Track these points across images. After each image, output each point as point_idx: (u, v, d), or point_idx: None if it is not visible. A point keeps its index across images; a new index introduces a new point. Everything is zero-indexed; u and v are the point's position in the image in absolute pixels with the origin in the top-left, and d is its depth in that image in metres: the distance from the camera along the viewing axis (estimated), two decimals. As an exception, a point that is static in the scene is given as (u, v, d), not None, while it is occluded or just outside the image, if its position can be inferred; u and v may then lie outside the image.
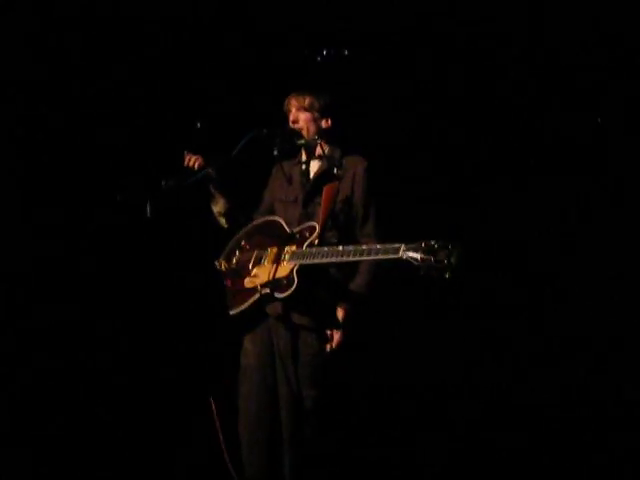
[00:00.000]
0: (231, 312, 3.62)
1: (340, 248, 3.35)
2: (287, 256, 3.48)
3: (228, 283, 3.68)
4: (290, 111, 3.77)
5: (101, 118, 4.95)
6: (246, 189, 3.94)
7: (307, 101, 3.73)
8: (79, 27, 4.87)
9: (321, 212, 3.56)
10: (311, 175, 3.76)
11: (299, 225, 3.59)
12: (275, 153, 3.64)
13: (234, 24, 4.94)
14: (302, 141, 3.74)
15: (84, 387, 4.92)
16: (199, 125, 3.89)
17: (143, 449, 4.82)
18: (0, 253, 4.81)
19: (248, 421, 3.60)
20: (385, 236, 3.44)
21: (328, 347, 3.49)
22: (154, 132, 4.92)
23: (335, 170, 3.64)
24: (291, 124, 3.75)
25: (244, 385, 3.64)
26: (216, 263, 3.72)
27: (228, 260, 3.72)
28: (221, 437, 3.72)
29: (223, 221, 3.86)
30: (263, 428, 3.57)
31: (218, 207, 3.83)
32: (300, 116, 3.74)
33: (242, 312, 3.58)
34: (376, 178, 3.68)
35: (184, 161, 3.75)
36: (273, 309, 3.55)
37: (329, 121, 3.75)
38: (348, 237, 3.56)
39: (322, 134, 3.74)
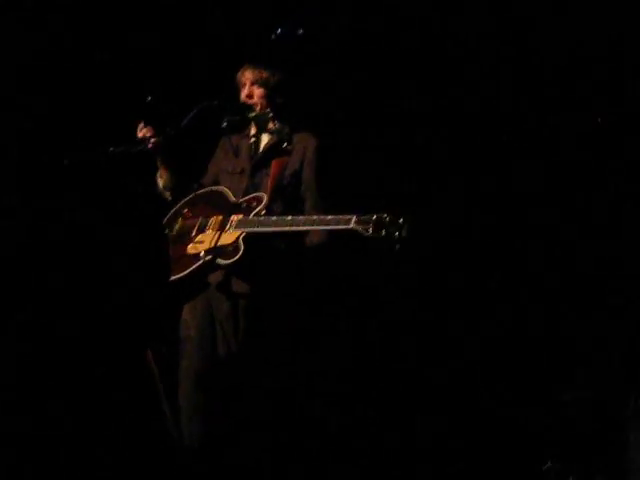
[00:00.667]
0: (173, 277, 3.56)
1: (289, 218, 3.39)
2: (233, 224, 3.48)
3: (170, 250, 3.65)
4: (244, 84, 3.75)
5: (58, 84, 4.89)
6: (195, 162, 3.93)
7: (263, 75, 3.72)
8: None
9: (269, 184, 3.58)
10: (260, 148, 3.75)
11: (245, 196, 3.59)
12: (224, 125, 3.64)
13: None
14: (253, 114, 3.73)
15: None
16: (149, 98, 3.85)
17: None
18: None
19: (187, 391, 3.57)
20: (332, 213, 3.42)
21: None
22: (108, 102, 4.87)
23: (285, 145, 3.67)
24: (245, 98, 3.74)
25: (184, 358, 3.62)
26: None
27: (169, 228, 3.70)
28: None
29: (167, 194, 3.83)
30: (202, 398, 3.54)
31: (163, 180, 3.81)
32: (255, 91, 3.72)
33: (182, 279, 3.54)
34: (326, 156, 3.70)
35: (136, 131, 3.71)
36: (214, 277, 3.53)
37: (281, 98, 3.75)
38: (293, 211, 3.56)
39: (274, 110, 3.73)
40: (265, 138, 3.77)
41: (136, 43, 4.89)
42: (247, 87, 3.74)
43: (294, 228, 3.35)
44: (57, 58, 4.87)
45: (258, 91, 3.72)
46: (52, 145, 4.59)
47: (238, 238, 3.43)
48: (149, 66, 4.88)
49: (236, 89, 3.78)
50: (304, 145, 3.68)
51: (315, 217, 3.33)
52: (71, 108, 4.87)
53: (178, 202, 3.80)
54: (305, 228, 3.36)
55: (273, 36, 4.66)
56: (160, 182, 3.82)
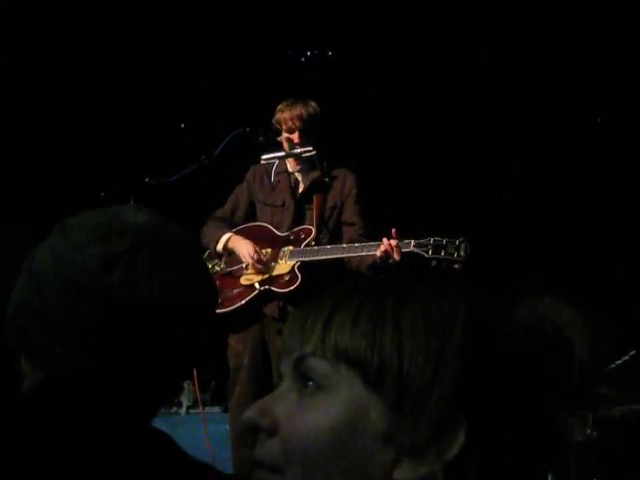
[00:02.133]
0: (224, 310, 3.54)
1: (344, 245, 3.46)
2: (286, 255, 3.54)
3: (218, 283, 3.62)
4: (285, 121, 3.70)
5: (86, 119, 4.91)
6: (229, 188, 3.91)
7: (302, 113, 3.66)
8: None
9: (314, 217, 3.62)
10: (301, 182, 3.76)
11: (291, 229, 3.63)
12: (260, 139, 3.64)
13: (220, 25, 4.91)
14: (296, 151, 3.68)
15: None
16: (183, 126, 3.84)
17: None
18: None
19: (236, 423, 3.52)
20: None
21: None
22: (138, 133, 4.88)
23: (326, 179, 3.70)
24: (287, 134, 3.69)
25: (237, 385, 3.61)
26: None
27: (218, 263, 3.72)
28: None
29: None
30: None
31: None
32: (295, 128, 3.67)
33: (237, 309, 3.55)
34: (364, 188, 3.73)
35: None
36: (270, 309, 3.55)
37: (320, 131, 3.72)
38: (337, 241, 3.60)
39: (313, 143, 3.68)
40: (305, 172, 3.76)
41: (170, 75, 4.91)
42: (289, 125, 3.68)
43: (351, 254, 3.40)
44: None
45: (299, 127, 3.66)
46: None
47: (293, 268, 3.49)
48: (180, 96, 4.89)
49: (269, 120, 3.75)
50: (343, 179, 3.72)
51: (372, 243, 3.33)
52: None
53: None
54: (363, 253, 3.37)
55: (302, 59, 4.66)
56: (216, 249, 3.74)
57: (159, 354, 1.10)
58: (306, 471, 0.81)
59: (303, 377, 0.86)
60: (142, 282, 1.07)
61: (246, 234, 3.72)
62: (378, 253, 3.26)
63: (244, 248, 3.60)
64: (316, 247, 3.51)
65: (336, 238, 3.63)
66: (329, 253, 3.44)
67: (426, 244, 3.23)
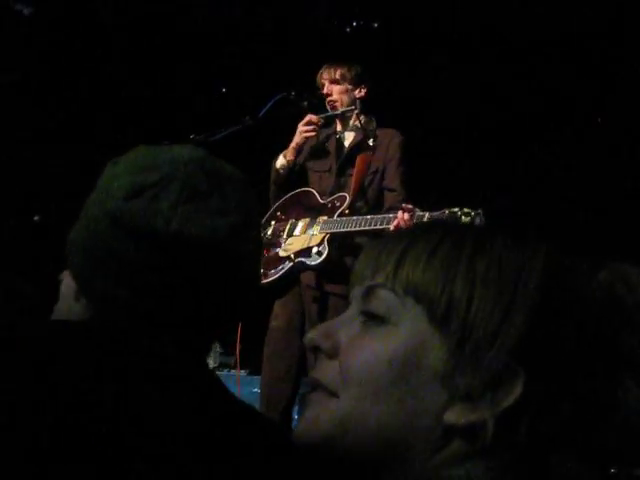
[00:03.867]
0: (265, 280, 3.56)
1: (369, 217, 3.34)
2: (319, 226, 3.48)
3: (265, 252, 3.62)
4: (323, 85, 3.70)
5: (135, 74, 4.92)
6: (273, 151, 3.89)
7: (339, 73, 3.66)
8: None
9: (353, 182, 3.53)
10: (345, 146, 3.69)
11: (331, 195, 3.56)
12: (304, 104, 3.62)
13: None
14: (338, 111, 3.67)
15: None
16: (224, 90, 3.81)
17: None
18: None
19: (269, 380, 3.55)
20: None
21: None
22: (185, 93, 4.89)
23: (370, 141, 3.59)
24: (326, 97, 3.67)
25: (269, 346, 3.60)
26: None
27: (264, 231, 3.68)
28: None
29: (282, 172, 3.72)
30: (283, 389, 3.52)
31: (286, 160, 3.70)
32: (333, 88, 3.67)
33: (276, 280, 3.55)
34: (410, 152, 3.64)
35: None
36: (306, 277, 3.51)
37: (362, 90, 3.70)
38: (377, 207, 3.53)
39: (357, 104, 3.67)
40: (350, 135, 3.71)
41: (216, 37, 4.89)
42: (326, 86, 3.68)
43: (373, 227, 3.29)
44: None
45: (337, 88, 3.66)
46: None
47: (323, 240, 3.43)
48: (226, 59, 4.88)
49: (312, 84, 3.72)
50: (388, 141, 3.61)
51: (392, 215, 3.27)
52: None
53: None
54: (384, 227, 3.26)
55: (348, 29, 4.63)
56: (282, 160, 3.70)
57: (185, 288, 1.07)
58: (359, 397, 0.82)
59: (370, 307, 0.85)
60: (163, 211, 1.06)
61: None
62: (391, 227, 3.17)
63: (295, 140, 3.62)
64: (345, 218, 3.39)
65: (378, 206, 3.54)
66: (356, 225, 3.32)
67: (441, 216, 3.11)
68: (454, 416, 0.80)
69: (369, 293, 0.86)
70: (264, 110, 3.53)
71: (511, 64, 4.71)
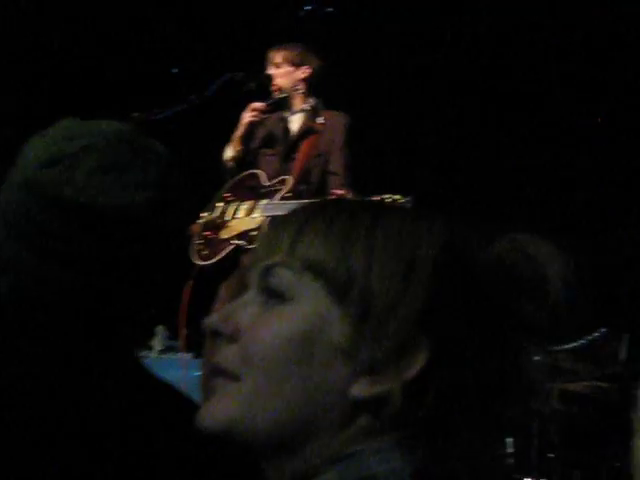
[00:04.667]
0: (209, 262, 3.49)
1: (308, 202, 3.25)
2: (259, 209, 3.42)
3: (209, 234, 3.56)
4: (272, 64, 3.65)
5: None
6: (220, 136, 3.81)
7: (280, 56, 3.62)
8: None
9: (296, 166, 3.49)
10: (291, 129, 3.65)
11: (276, 178, 3.51)
12: (248, 88, 3.55)
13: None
14: (281, 95, 3.62)
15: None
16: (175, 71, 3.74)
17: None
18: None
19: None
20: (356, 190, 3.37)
21: None
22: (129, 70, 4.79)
23: (316, 125, 3.56)
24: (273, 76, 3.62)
25: None
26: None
27: (210, 211, 3.61)
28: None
29: (231, 164, 3.67)
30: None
31: (234, 152, 3.64)
32: (275, 72, 3.62)
33: (218, 262, 3.48)
34: (355, 134, 3.59)
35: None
36: (247, 259, 3.43)
37: (306, 71, 3.64)
38: (321, 191, 3.49)
39: (300, 85, 3.62)
40: (296, 119, 3.66)
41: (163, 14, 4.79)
42: (270, 69, 3.64)
43: None
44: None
45: (278, 71, 3.62)
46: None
47: (262, 223, 3.38)
48: (176, 38, 4.79)
49: (263, 65, 3.66)
50: (334, 124, 3.58)
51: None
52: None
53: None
54: None
55: (301, 13, 4.56)
56: (229, 152, 3.65)
57: (94, 260, 1.05)
58: (263, 378, 0.79)
59: (268, 287, 0.82)
60: (76, 181, 1.05)
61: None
62: None
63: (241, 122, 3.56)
64: (286, 202, 3.34)
65: (322, 189, 3.50)
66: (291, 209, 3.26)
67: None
68: (359, 390, 0.78)
69: (266, 273, 0.83)
70: (211, 90, 3.46)
71: (463, 49, 4.70)
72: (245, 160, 3.63)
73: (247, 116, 3.56)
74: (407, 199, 3.03)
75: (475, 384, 0.80)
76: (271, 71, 3.62)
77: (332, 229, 0.81)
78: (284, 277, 0.81)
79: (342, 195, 3.10)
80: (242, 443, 0.81)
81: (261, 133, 3.71)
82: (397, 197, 3.03)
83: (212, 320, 0.84)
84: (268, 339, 0.80)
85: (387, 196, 3.02)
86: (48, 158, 1.07)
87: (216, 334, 0.83)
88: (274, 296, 0.82)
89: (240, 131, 3.60)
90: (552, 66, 4.66)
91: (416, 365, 0.77)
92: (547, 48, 4.64)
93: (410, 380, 0.77)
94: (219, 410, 0.81)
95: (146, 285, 1.12)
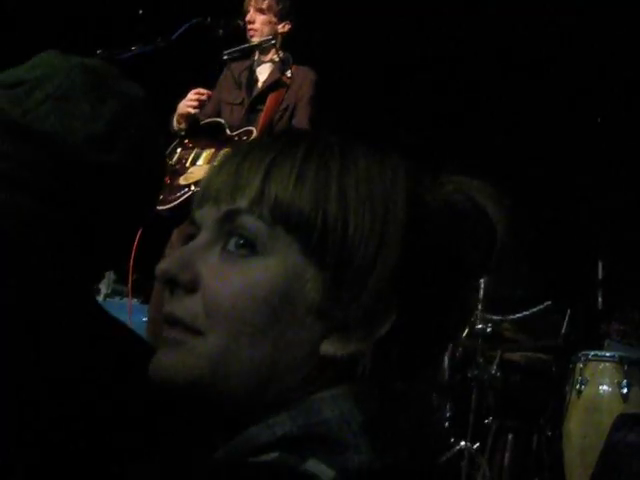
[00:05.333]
0: (164, 207, 3.40)
1: None
2: (221, 157, 3.35)
3: (167, 180, 3.46)
4: (248, 11, 3.57)
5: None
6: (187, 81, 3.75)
7: (266, 3, 3.54)
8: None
9: (262, 118, 3.44)
10: (260, 80, 3.60)
11: (239, 129, 3.45)
12: (225, 57, 3.52)
13: None
14: (255, 42, 3.56)
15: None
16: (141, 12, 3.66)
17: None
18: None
19: (156, 311, 3.40)
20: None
21: None
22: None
23: (284, 77, 3.50)
24: (248, 24, 3.55)
25: None
26: None
27: (170, 157, 3.53)
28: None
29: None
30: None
31: (179, 126, 3.56)
32: (257, 17, 3.55)
33: (174, 208, 3.40)
34: (321, 91, 3.54)
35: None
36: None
37: (286, 26, 3.59)
38: None
39: (277, 38, 3.57)
40: (267, 69, 3.61)
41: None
42: (250, 13, 3.56)
43: None
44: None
45: (260, 17, 3.55)
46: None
47: None
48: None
49: (235, 11, 3.59)
50: (301, 79, 3.53)
51: None
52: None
53: None
54: None
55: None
56: (175, 125, 3.57)
57: (34, 185, 1.02)
58: (230, 336, 0.75)
59: (231, 234, 0.76)
60: (28, 104, 1.03)
61: (201, 129, 3.55)
62: None
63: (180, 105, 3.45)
64: None
65: None
66: None
67: None
68: (332, 348, 0.76)
69: (230, 219, 0.77)
70: (177, 33, 3.39)
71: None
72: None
73: (187, 105, 3.46)
74: None
75: (435, 337, 0.80)
76: (252, 15, 3.55)
77: (304, 175, 0.76)
78: (253, 228, 0.76)
79: None
80: (202, 399, 0.78)
81: (226, 81, 3.66)
82: None
83: (167, 266, 0.78)
84: (236, 295, 0.75)
85: None
86: (12, 81, 1.06)
87: (171, 282, 0.78)
88: (240, 246, 0.77)
89: (180, 111, 3.52)
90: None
91: (386, 324, 0.76)
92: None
93: (378, 339, 0.76)
94: (181, 364, 0.77)
95: (96, 221, 1.08)
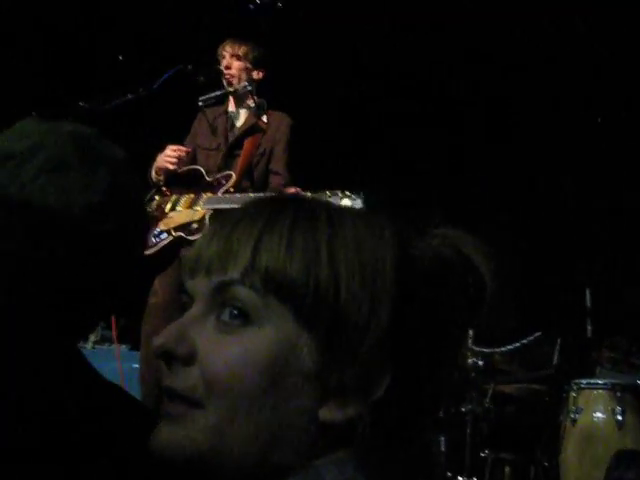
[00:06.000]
0: (144, 253, 3.40)
1: (252, 195, 3.27)
2: (201, 202, 3.39)
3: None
4: (224, 57, 3.62)
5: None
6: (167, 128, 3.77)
7: (242, 49, 3.60)
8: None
9: (240, 162, 3.47)
10: (237, 125, 3.64)
11: (218, 173, 3.48)
12: (200, 104, 3.54)
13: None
14: (232, 89, 3.60)
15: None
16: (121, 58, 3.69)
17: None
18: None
19: (148, 359, 3.40)
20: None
21: None
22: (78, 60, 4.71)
23: (260, 122, 3.55)
24: (224, 70, 3.59)
25: (148, 323, 3.47)
26: None
27: (149, 204, 3.55)
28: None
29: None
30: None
31: (158, 179, 3.59)
32: (233, 63, 3.60)
33: (155, 254, 3.42)
34: (298, 136, 3.60)
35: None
36: (186, 251, 3.39)
37: (260, 74, 3.65)
38: (263, 189, 3.48)
39: (253, 85, 3.61)
40: (243, 115, 3.65)
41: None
42: (226, 59, 3.61)
43: None
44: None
45: (237, 64, 3.60)
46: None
47: (204, 216, 3.34)
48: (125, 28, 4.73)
49: (214, 59, 3.63)
50: (277, 124, 3.58)
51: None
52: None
53: None
54: None
55: (251, 6, 4.53)
56: (154, 176, 3.60)
57: (35, 260, 1.03)
58: (230, 408, 0.75)
59: (225, 305, 0.76)
60: (22, 179, 1.03)
61: (177, 178, 3.57)
62: None
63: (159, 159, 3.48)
64: (229, 196, 3.31)
65: (263, 187, 3.49)
66: (237, 202, 3.19)
67: (320, 198, 3.06)
68: (329, 413, 0.76)
69: (223, 290, 0.77)
70: (159, 82, 3.41)
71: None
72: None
73: (167, 157, 3.49)
74: (359, 194, 3.04)
75: (430, 394, 0.80)
76: (228, 61, 3.59)
77: (294, 242, 0.76)
78: (246, 299, 0.76)
79: (294, 193, 3.08)
80: (204, 471, 0.77)
81: (200, 127, 3.69)
82: (348, 193, 3.04)
83: (163, 340, 0.78)
84: (233, 367, 0.75)
85: (337, 191, 3.03)
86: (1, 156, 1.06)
87: (168, 355, 0.78)
88: (234, 317, 0.77)
89: (157, 165, 3.55)
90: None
91: (382, 385, 0.76)
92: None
93: (375, 401, 0.76)
94: (183, 439, 0.76)
95: (85, 282, 1.09)
